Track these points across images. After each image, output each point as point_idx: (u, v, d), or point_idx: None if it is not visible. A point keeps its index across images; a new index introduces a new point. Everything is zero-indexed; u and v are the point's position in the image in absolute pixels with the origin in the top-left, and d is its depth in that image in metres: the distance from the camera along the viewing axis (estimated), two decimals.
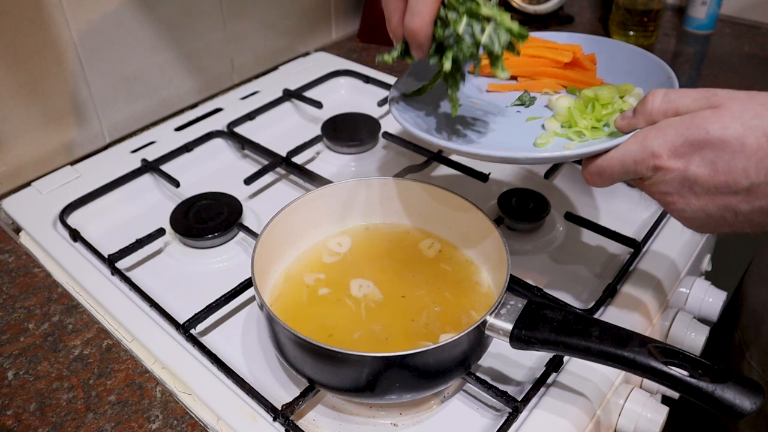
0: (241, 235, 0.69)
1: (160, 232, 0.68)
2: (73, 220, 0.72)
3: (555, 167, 0.76)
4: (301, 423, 0.51)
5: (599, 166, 0.48)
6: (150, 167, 0.78)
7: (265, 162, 0.80)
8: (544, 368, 0.54)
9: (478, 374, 0.52)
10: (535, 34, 0.68)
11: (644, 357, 0.43)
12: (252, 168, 0.79)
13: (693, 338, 0.64)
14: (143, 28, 0.85)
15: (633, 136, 0.46)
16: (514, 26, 0.50)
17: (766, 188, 0.41)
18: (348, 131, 0.84)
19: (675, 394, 0.60)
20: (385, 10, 0.51)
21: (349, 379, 0.48)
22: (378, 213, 0.64)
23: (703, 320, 0.66)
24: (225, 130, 0.85)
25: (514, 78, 0.66)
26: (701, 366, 0.43)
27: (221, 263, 0.67)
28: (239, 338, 0.59)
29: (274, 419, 0.51)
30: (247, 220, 0.71)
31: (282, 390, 0.54)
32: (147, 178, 0.78)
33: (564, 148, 0.52)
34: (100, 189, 0.75)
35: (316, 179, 0.75)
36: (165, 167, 0.79)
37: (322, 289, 0.58)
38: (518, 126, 0.59)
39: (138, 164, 0.79)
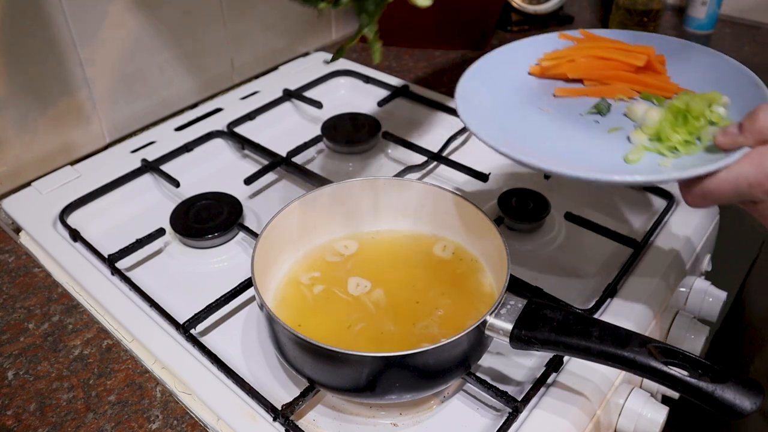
0: (241, 235, 0.69)
1: (160, 232, 0.68)
2: (73, 220, 0.72)
3: None
4: (301, 423, 0.51)
5: (706, 188, 0.44)
6: (150, 167, 0.78)
7: (265, 162, 0.80)
8: (544, 368, 0.54)
9: (478, 374, 0.52)
10: (598, 32, 0.64)
11: (644, 357, 0.43)
12: (252, 168, 0.79)
13: (693, 338, 0.64)
14: (143, 28, 0.85)
15: (747, 157, 0.43)
16: None
17: None
18: (348, 131, 0.84)
19: (675, 394, 0.60)
20: None
21: (349, 379, 0.48)
22: (378, 213, 0.64)
23: (703, 320, 0.66)
24: (225, 130, 0.85)
25: (579, 81, 0.61)
26: (701, 366, 0.43)
27: (221, 263, 0.67)
28: (239, 338, 0.59)
29: (274, 419, 0.51)
30: (247, 220, 0.71)
31: (282, 390, 0.54)
32: (147, 178, 0.78)
33: (659, 165, 0.49)
34: (100, 189, 0.75)
35: (316, 179, 0.75)
36: (165, 167, 0.79)
37: (317, 286, 0.58)
38: (601, 139, 0.54)
39: (138, 164, 0.79)
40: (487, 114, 0.56)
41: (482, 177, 0.74)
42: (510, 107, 0.58)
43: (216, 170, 0.82)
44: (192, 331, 0.58)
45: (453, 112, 0.88)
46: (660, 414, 0.54)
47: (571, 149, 0.53)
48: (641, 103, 0.57)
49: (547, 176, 0.75)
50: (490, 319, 0.48)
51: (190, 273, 0.67)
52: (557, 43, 0.64)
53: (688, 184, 0.46)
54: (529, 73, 0.63)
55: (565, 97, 0.60)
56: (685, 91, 0.57)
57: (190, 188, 0.75)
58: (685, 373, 0.42)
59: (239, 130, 0.86)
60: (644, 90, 0.58)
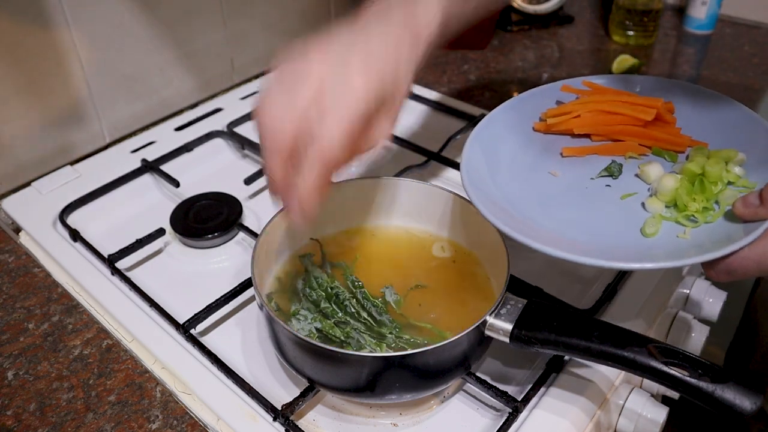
0: (241, 235, 0.69)
1: (160, 232, 0.68)
2: (73, 220, 0.72)
3: None
4: (301, 423, 0.51)
5: (730, 266, 0.44)
6: (150, 167, 0.78)
7: None
8: (544, 368, 0.54)
9: (478, 374, 0.52)
10: (599, 81, 0.61)
11: (644, 357, 0.43)
12: (252, 168, 0.79)
13: (693, 338, 0.64)
14: (143, 28, 0.85)
15: None
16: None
17: None
18: None
19: (675, 394, 0.60)
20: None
21: (349, 379, 0.48)
22: (377, 212, 0.64)
23: (703, 320, 0.66)
24: (225, 130, 0.85)
25: (586, 136, 0.59)
26: (701, 366, 0.43)
27: (221, 263, 0.67)
28: (239, 338, 0.59)
29: (274, 419, 0.51)
30: (247, 220, 0.71)
31: (282, 390, 0.54)
32: (147, 178, 0.78)
33: (677, 238, 0.48)
34: (100, 189, 0.75)
35: None
36: (165, 167, 0.79)
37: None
38: (615, 207, 0.52)
39: (138, 164, 0.79)
40: (494, 189, 0.54)
41: None
42: (517, 173, 0.56)
43: (216, 170, 0.82)
44: (192, 331, 0.58)
45: (453, 112, 0.88)
46: (660, 414, 0.54)
47: (584, 224, 0.51)
48: (654, 162, 0.55)
49: None
50: (490, 319, 0.48)
51: (190, 273, 0.67)
52: (559, 94, 0.62)
53: (711, 263, 0.45)
54: (534, 129, 0.61)
55: (573, 157, 0.58)
56: (697, 145, 0.55)
57: (190, 188, 0.75)
58: (685, 373, 0.42)
59: (239, 130, 0.86)
60: (655, 145, 0.56)
